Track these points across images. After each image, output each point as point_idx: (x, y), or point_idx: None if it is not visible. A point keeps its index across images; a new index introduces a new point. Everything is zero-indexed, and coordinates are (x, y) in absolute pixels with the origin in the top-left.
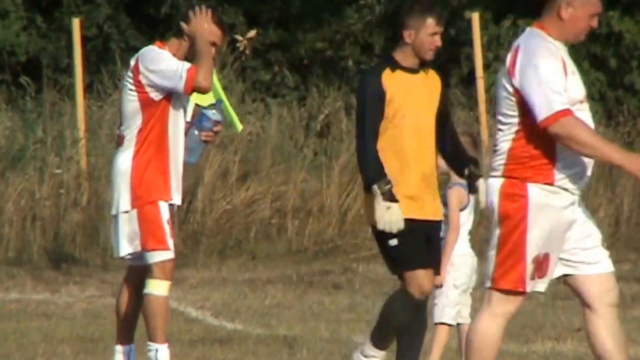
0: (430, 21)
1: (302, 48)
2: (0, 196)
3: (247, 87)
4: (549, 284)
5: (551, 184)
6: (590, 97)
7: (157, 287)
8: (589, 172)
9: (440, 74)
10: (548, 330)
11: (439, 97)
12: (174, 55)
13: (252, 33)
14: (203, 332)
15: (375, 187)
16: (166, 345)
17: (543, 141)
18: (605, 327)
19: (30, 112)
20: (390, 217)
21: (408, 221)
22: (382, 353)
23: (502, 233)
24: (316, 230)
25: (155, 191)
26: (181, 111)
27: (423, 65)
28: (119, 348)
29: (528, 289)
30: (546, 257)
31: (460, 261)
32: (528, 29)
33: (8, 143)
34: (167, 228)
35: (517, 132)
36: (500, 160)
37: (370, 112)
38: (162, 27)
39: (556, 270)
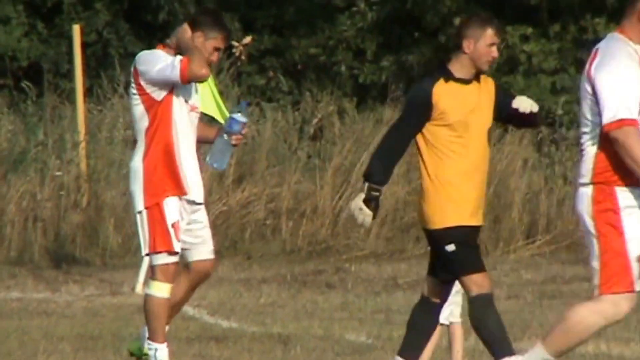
0: (490, 32)
1: (295, 54)
2: (2, 197)
3: (242, 91)
4: None
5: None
6: (577, 101)
7: (158, 289)
8: None
9: (492, 79)
10: (535, 328)
11: (494, 100)
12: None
13: (248, 39)
14: (199, 330)
15: (367, 184)
16: (165, 344)
17: None
18: None
19: (31, 115)
20: (359, 217)
21: (467, 228)
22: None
23: (600, 241)
24: (310, 231)
25: (162, 192)
26: (186, 109)
27: (478, 75)
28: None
29: (637, 288)
30: None
31: None
32: (609, 34)
33: (10, 146)
34: (172, 231)
35: (600, 134)
36: (588, 166)
37: (410, 120)
38: (160, 34)
39: None
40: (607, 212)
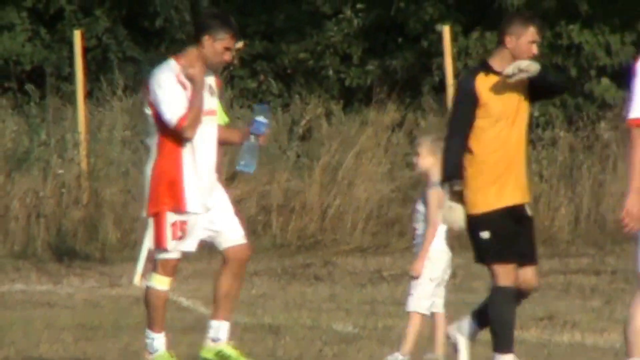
0: (532, 29)
1: (285, 58)
2: (7, 194)
3: (235, 94)
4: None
5: None
6: (552, 104)
7: (158, 282)
8: None
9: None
10: None
11: (527, 87)
12: (193, 65)
13: (240, 44)
14: (194, 321)
15: (446, 185)
16: (163, 334)
17: None
18: None
19: (34, 117)
20: (452, 216)
21: (505, 211)
22: (511, 356)
23: None
24: (299, 227)
25: (162, 205)
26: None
27: None
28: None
29: None
30: None
31: (436, 256)
32: None
33: (14, 146)
34: (168, 232)
35: None
36: None
37: (460, 115)
38: (156, 40)
39: None
40: None
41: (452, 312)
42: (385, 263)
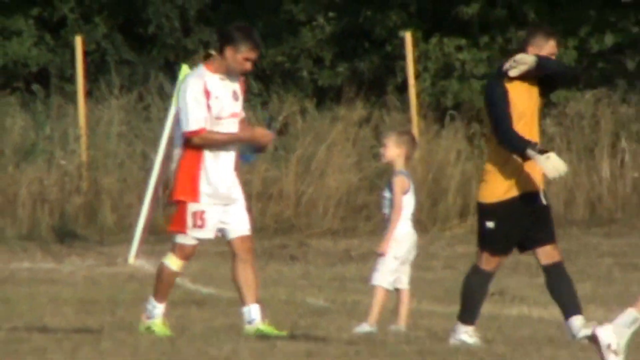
0: (552, 43)
1: (264, 61)
2: (15, 183)
3: None
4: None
5: None
6: None
7: (172, 262)
8: None
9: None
10: None
11: (539, 84)
12: (215, 71)
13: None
14: (183, 296)
15: (529, 151)
16: (163, 305)
17: None
18: None
19: (40, 113)
20: (552, 163)
21: (514, 200)
22: (471, 327)
23: None
24: (276, 212)
25: (184, 193)
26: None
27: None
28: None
29: None
30: None
31: (402, 238)
32: None
33: (22, 139)
34: (189, 220)
35: None
36: None
37: (500, 105)
38: (149, 44)
39: None
40: None
41: (413, 288)
42: (353, 244)
